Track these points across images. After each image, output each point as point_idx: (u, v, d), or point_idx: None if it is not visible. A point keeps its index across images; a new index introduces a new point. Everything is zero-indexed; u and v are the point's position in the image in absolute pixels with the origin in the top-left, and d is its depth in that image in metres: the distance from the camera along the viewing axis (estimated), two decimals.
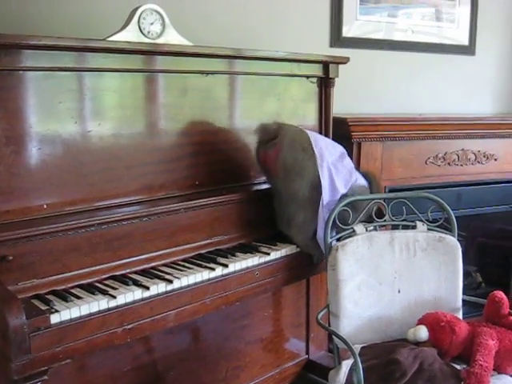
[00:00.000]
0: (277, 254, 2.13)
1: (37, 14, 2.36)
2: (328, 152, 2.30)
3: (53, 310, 1.58)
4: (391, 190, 2.93)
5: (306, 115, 2.64)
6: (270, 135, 2.31)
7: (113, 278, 1.85)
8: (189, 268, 1.92)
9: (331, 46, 3.16)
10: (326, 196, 2.21)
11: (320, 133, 2.67)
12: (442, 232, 2.22)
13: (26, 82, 1.80)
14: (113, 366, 2.09)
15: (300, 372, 2.85)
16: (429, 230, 2.23)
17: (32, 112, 1.82)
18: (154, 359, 2.22)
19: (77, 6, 2.41)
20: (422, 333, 2.01)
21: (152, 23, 2.18)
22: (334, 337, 2.10)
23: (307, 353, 2.87)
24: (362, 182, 2.41)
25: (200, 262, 1.97)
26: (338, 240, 2.14)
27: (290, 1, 3.03)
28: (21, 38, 1.73)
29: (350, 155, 2.82)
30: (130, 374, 2.15)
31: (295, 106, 2.62)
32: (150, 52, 2.09)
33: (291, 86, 2.58)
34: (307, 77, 2.61)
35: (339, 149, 2.43)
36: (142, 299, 1.74)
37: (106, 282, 1.81)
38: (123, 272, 1.88)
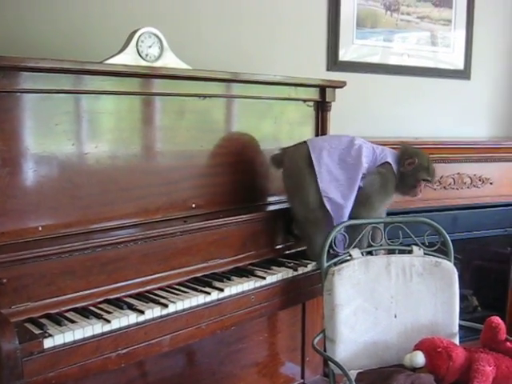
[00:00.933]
0: (273, 278, 2.12)
1: (35, 35, 2.37)
2: (327, 153, 2.30)
3: (46, 335, 1.57)
4: (387, 214, 2.92)
5: (302, 138, 2.64)
6: (279, 164, 2.39)
7: (107, 301, 1.83)
8: (184, 292, 1.91)
9: (328, 69, 3.18)
10: (331, 206, 2.27)
11: None
12: (439, 257, 2.22)
13: (23, 103, 1.80)
14: None
15: None
16: (425, 254, 2.22)
17: (29, 133, 1.83)
18: (150, 382, 2.20)
19: (75, 28, 2.42)
20: (419, 358, 1.99)
21: (150, 46, 2.19)
22: (329, 362, 2.09)
23: (302, 377, 2.85)
24: (388, 158, 2.38)
25: (195, 286, 1.96)
26: (335, 264, 2.12)
27: (287, 25, 3.05)
28: (19, 60, 1.73)
29: None
30: None
31: (292, 129, 2.62)
32: (148, 75, 2.09)
33: (288, 110, 2.59)
34: (304, 100, 2.62)
35: (345, 139, 2.39)
36: (137, 323, 1.72)
37: (101, 306, 1.80)
38: (118, 296, 1.87)
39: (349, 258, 2.16)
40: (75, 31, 2.44)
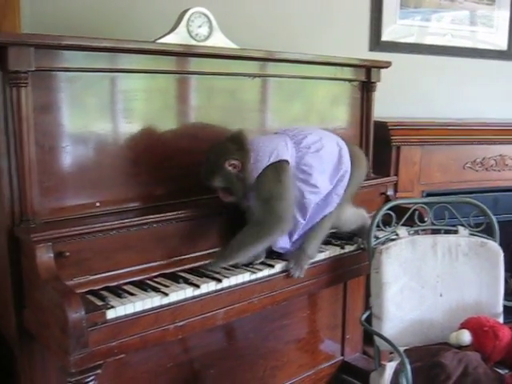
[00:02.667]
0: (321, 255, 2.15)
1: (86, 15, 2.42)
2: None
3: (108, 306, 1.63)
4: (429, 195, 2.94)
5: (347, 119, 2.66)
6: None
7: (163, 275, 1.89)
8: (237, 267, 1.95)
9: (370, 49, 3.17)
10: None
11: (361, 137, 2.69)
12: (484, 237, 2.23)
13: (81, 82, 1.85)
14: (156, 362, 2.14)
15: (335, 373, 2.87)
16: (470, 234, 2.24)
17: (87, 111, 1.87)
18: (195, 357, 2.26)
19: (125, 8, 2.46)
20: (465, 337, 2.01)
21: (200, 26, 2.22)
22: (375, 339, 2.12)
23: (342, 354, 2.89)
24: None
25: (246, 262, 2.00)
26: (382, 243, 2.15)
27: (330, 5, 3.05)
28: (77, 39, 1.78)
29: (389, 159, 2.85)
30: (171, 370, 2.19)
31: (337, 109, 2.64)
32: (199, 54, 2.11)
33: (334, 90, 2.60)
34: (349, 80, 2.63)
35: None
36: (193, 297, 1.77)
37: (157, 280, 1.85)
38: (173, 270, 1.92)
39: (395, 236, 2.19)
40: (126, 11, 2.48)
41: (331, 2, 3.05)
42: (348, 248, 2.26)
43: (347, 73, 2.59)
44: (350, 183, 2.15)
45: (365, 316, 2.14)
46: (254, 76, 2.28)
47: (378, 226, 2.19)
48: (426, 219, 2.31)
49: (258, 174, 1.94)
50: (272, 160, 1.95)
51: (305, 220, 2.06)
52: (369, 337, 2.95)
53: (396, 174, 2.85)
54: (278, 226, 1.94)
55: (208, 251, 2.01)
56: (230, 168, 1.93)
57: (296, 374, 2.66)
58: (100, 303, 1.64)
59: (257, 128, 2.32)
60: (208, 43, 2.21)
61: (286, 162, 1.97)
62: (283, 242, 2.07)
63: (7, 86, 1.69)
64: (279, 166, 1.96)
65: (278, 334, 2.54)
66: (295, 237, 2.09)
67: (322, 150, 2.06)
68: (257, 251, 1.98)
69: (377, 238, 2.20)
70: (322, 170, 2.05)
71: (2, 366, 2.05)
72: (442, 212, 2.29)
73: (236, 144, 1.97)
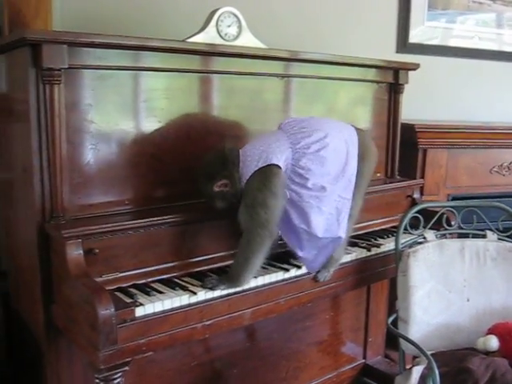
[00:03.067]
0: (347, 257, 2.14)
1: (117, 15, 2.44)
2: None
3: (137, 303, 1.63)
4: (454, 198, 2.92)
5: (373, 121, 2.65)
6: None
7: (190, 274, 1.89)
8: (264, 268, 1.94)
9: (397, 51, 3.16)
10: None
11: (387, 139, 2.67)
12: None
13: (111, 80, 1.85)
14: (180, 360, 2.15)
15: (356, 376, 2.85)
16: (499, 239, 2.21)
17: (117, 110, 1.88)
18: (219, 356, 2.27)
19: (156, 8, 2.47)
20: (493, 342, 1.99)
21: (229, 25, 2.22)
22: (400, 342, 2.11)
23: (364, 357, 2.88)
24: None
25: (274, 263, 2.00)
26: (410, 246, 2.14)
27: (358, 7, 3.04)
28: (110, 37, 1.79)
29: (416, 162, 2.83)
30: (195, 369, 2.20)
31: (362, 111, 2.62)
32: (228, 54, 2.11)
33: (360, 91, 2.59)
34: (377, 82, 2.61)
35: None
36: (221, 296, 1.77)
37: (185, 279, 1.85)
38: (200, 269, 1.92)
39: (423, 240, 2.18)
40: (155, 10, 2.49)
41: (359, 3, 3.03)
42: (374, 250, 2.25)
43: (375, 74, 2.58)
44: (360, 181, 2.02)
45: (391, 319, 2.12)
46: (281, 76, 2.27)
47: (405, 228, 2.17)
48: (453, 223, 2.28)
49: (246, 180, 1.86)
50: (260, 165, 1.84)
51: (309, 228, 1.92)
52: (391, 340, 2.94)
53: (422, 177, 2.83)
54: (263, 233, 1.81)
55: (233, 251, 2.00)
56: (221, 188, 1.88)
57: (318, 376, 2.66)
58: (129, 300, 1.65)
59: None
60: (237, 43, 2.21)
61: (277, 166, 1.85)
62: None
63: (40, 83, 1.70)
64: (267, 171, 1.84)
65: (301, 335, 2.54)
66: (310, 249, 1.97)
67: (324, 149, 1.90)
68: (259, 262, 1.85)
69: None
70: (325, 171, 1.90)
71: (30, 361, 2.07)
72: (469, 216, 2.27)
73: (224, 163, 1.88)
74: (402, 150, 2.73)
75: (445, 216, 2.24)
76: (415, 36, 3.21)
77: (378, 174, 2.68)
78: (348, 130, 2.04)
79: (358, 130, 2.08)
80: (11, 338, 2.35)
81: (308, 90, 2.39)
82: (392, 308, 2.77)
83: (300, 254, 1.97)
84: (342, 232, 1.97)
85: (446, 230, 2.26)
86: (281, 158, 1.86)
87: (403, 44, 3.16)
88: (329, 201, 1.93)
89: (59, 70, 1.69)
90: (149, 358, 1.83)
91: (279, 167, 1.85)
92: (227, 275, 1.84)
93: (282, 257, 2.06)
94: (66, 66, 1.71)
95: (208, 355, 2.24)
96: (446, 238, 2.25)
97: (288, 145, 1.89)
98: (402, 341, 2.09)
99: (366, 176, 2.06)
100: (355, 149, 1.99)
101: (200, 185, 1.91)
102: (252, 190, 1.84)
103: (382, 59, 2.56)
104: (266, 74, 2.23)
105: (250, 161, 1.86)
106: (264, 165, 1.84)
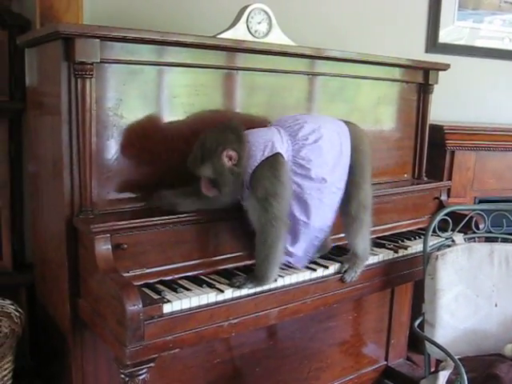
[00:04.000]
0: (374, 258, 2.12)
1: (148, 11, 2.44)
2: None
3: (165, 300, 1.63)
4: (481, 201, 2.88)
5: (401, 121, 2.62)
6: None
7: (216, 272, 1.88)
8: (290, 267, 1.93)
9: (426, 51, 3.12)
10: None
11: (415, 140, 2.65)
12: None
13: (142, 75, 1.86)
14: (204, 357, 2.15)
15: (378, 378, 2.83)
16: None
17: (147, 105, 1.88)
18: (242, 354, 2.26)
19: (187, 3, 2.47)
20: None
21: (259, 22, 2.20)
22: (426, 346, 2.08)
23: (386, 359, 2.86)
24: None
25: None
26: (438, 249, 2.11)
27: (387, 6, 3.01)
28: (142, 32, 1.79)
29: (443, 163, 2.80)
30: (218, 366, 2.20)
31: (390, 110, 2.60)
32: (254, 51, 2.09)
33: (388, 91, 2.56)
34: (406, 82, 2.58)
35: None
36: (248, 295, 1.76)
37: (211, 276, 1.84)
38: (226, 267, 1.92)
39: (451, 243, 2.15)
40: (185, 6, 2.49)
41: (389, 3, 3.01)
42: (402, 252, 2.22)
43: (403, 74, 2.55)
44: (361, 170, 1.98)
45: (418, 322, 2.10)
46: (311, 74, 2.25)
47: (433, 231, 2.14)
48: (481, 226, 2.25)
49: (253, 170, 1.80)
50: (267, 154, 1.79)
51: (309, 219, 1.90)
52: (413, 342, 2.91)
53: (449, 179, 2.80)
54: (277, 225, 1.78)
55: None
56: (225, 159, 1.77)
57: (339, 377, 2.64)
58: (156, 297, 1.64)
59: None
60: (266, 40, 2.20)
61: (281, 155, 1.82)
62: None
63: (72, 77, 1.70)
64: (275, 161, 1.80)
65: (324, 335, 2.52)
66: (302, 243, 1.94)
67: (321, 139, 1.87)
68: (281, 254, 1.83)
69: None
70: (323, 161, 1.88)
71: (54, 354, 2.08)
72: (497, 220, 2.24)
73: (235, 134, 1.80)
74: (429, 151, 2.70)
75: (474, 219, 2.20)
76: (444, 36, 3.16)
77: (406, 175, 2.65)
78: (338, 123, 2.01)
79: (347, 123, 2.04)
80: (35, 331, 2.36)
81: (332, 88, 2.37)
82: (415, 310, 2.77)
83: (290, 249, 1.93)
84: (330, 221, 1.97)
85: (474, 233, 2.23)
86: (283, 148, 1.83)
87: (433, 44, 3.12)
88: (328, 192, 1.91)
89: (91, 64, 1.69)
90: (172, 354, 1.84)
91: (283, 157, 1.82)
92: (254, 273, 1.82)
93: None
94: (98, 60, 1.71)
95: (231, 353, 2.23)
96: (474, 241, 2.22)
97: (287, 136, 1.86)
98: (427, 344, 2.06)
99: (366, 165, 2.01)
100: (347, 140, 1.97)
101: (205, 146, 1.78)
102: (261, 181, 1.78)
103: (410, 59, 2.53)
104: (293, 71, 2.22)
105: (255, 150, 1.80)
106: (271, 154, 1.79)
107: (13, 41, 2.23)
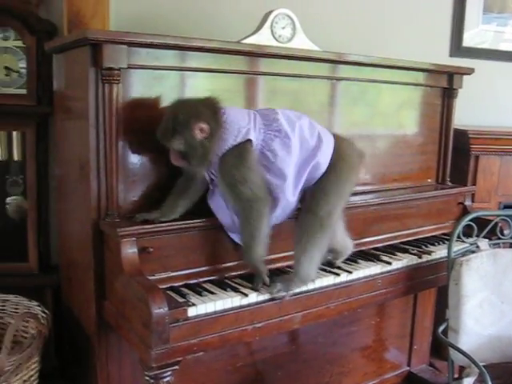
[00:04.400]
0: (398, 263, 2.11)
1: (172, 16, 2.46)
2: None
3: (190, 303, 1.64)
4: (506, 207, 2.86)
5: (424, 125, 2.60)
6: None
7: (240, 276, 1.89)
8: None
9: (451, 55, 3.10)
10: None
11: (439, 144, 2.64)
12: None
13: (168, 81, 1.88)
14: (226, 360, 2.16)
15: (400, 383, 2.82)
16: None
17: None
18: (264, 358, 2.27)
19: (211, 9, 2.49)
20: None
21: (283, 27, 2.21)
22: (450, 352, 2.07)
23: (408, 365, 2.84)
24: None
25: (324, 267, 1.98)
26: (462, 255, 2.09)
27: (412, 10, 3.00)
28: (168, 38, 1.81)
29: (467, 168, 2.79)
30: (240, 369, 2.21)
31: (413, 115, 2.59)
32: (277, 56, 2.09)
33: (411, 95, 2.55)
34: (429, 86, 2.57)
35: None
36: (271, 299, 1.77)
37: (235, 280, 1.85)
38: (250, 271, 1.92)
39: (475, 248, 2.14)
40: (209, 11, 2.51)
41: (413, 6, 3.00)
42: (425, 257, 2.21)
43: (426, 78, 2.54)
44: (331, 188, 1.86)
45: (442, 328, 2.09)
46: (333, 79, 2.25)
47: (457, 236, 2.13)
48: (506, 232, 2.23)
49: (222, 154, 1.75)
50: (239, 140, 1.75)
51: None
52: (436, 348, 2.89)
53: (474, 184, 2.78)
54: (256, 206, 1.74)
55: (285, 253, 2.00)
56: (197, 131, 1.71)
57: (361, 382, 2.63)
58: (181, 300, 1.65)
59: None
60: (290, 45, 2.21)
61: (251, 142, 1.77)
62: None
63: (100, 82, 1.73)
64: (243, 148, 1.75)
65: (346, 340, 2.52)
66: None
67: (293, 137, 1.82)
68: (265, 234, 1.77)
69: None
70: (290, 160, 1.81)
71: (79, 355, 2.10)
72: None
73: (210, 110, 1.75)
74: (453, 155, 2.68)
75: (498, 225, 2.19)
76: (468, 40, 3.15)
77: (429, 180, 2.64)
78: (323, 131, 1.92)
79: (337, 136, 1.95)
80: (60, 332, 2.39)
81: (354, 92, 2.36)
82: (438, 315, 2.75)
83: (232, 235, 1.89)
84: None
85: (499, 239, 2.21)
86: (255, 136, 1.78)
87: (457, 48, 3.10)
88: (287, 194, 1.83)
89: (118, 69, 1.71)
90: (195, 357, 1.85)
91: (252, 144, 1.78)
92: (282, 277, 1.84)
93: (330, 261, 2.06)
94: (126, 66, 1.73)
95: (253, 357, 2.24)
96: (499, 247, 2.20)
97: (261, 125, 1.81)
98: (451, 351, 2.05)
99: (336, 183, 1.87)
100: (327, 150, 1.87)
101: (176, 118, 1.71)
102: (228, 167, 1.75)
103: (433, 63, 2.51)
104: (315, 76, 2.22)
105: (228, 134, 1.75)
106: (242, 140, 1.75)
107: (40, 46, 2.27)
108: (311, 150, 1.85)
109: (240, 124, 1.77)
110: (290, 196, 1.84)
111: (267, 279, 1.80)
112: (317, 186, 1.87)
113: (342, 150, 1.90)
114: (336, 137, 1.94)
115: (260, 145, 1.80)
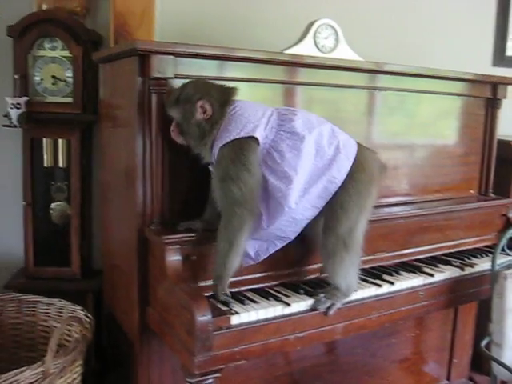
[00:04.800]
0: (441, 276, 2.09)
1: (215, 26, 2.50)
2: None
3: (233, 312, 1.65)
4: None
5: (467, 136, 2.57)
6: None
7: (283, 284, 1.89)
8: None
9: (494, 65, 3.07)
10: None
11: (483, 155, 2.60)
12: None
13: None
14: (266, 369, 2.16)
15: None
16: None
17: None
18: (303, 368, 2.26)
19: (254, 19, 2.51)
20: None
21: (326, 37, 2.23)
22: (493, 367, 2.03)
23: (448, 378, 2.79)
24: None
25: (365, 278, 1.98)
26: (507, 268, 2.06)
27: (454, 19, 2.98)
28: (215, 49, 1.84)
29: (510, 179, 2.74)
30: (280, 379, 2.21)
31: (454, 125, 2.55)
32: (315, 66, 2.07)
33: (452, 105, 2.52)
34: (472, 96, 2.54)
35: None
36: (313, 309, 1.77)
37: (277, 289, 1.86)
38: (291, 280, 1.92)
39: None
40: (253, 21, 2.53)
41: (456, 16, 2.98)
42: (468, 270, 2.18)
43: (469, 88, 2.51)
44: (350, 202, 1.76)
45: (485, 342, 2.05)
46: (372, 89, 2.24)
47: (501, 249, 2.10)
48: None
49: (221, 146, 1.68)
50: (242, 134, 1.66)
51: (267, 226, 1.73)
52: (476, 362, 2.85)
53: None
54: (240, 212, 1.64)
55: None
56: (198, 109, 1.70)
57: None
58: (224, 308, 1.66)
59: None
60: (333, 55, 2.22)
61: (256, 141, 1.68)
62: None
63: (147, 92, 1.76)
64: (245, 144, 1.66)
65: (385, 352, 2.49)
66: (253, 241, 1.78)
67: (306, 142, 1.71)
68: (243, 245, 1.69)
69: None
70: (298, 165, 1.70)
71: (120, 360, 2.13)
72: None
73: (221, 95, 1.72)
74: (496, 166, 2.65)
75: None
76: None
77: (472, 191, 2.61)
78: (348, 140, 1.82)
79: (362, 146, 1.85)
80: (100, 336, 2.43)
81: (392, 102, 2.34)
82: (479, 329, 2.70)
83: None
84: (294, 234, 1.80)
85: None
86: (263, 134, 1.70)
87: (501, 57, 3.07)
88: (289, 200, 1.70)
89: (165, 79, 1.74)
90: (235, 365, 1.86)
91: (258, 143, 1.69)
92: (325, 289, 1.82)
93: (371, 272, 2.05)
94: (173, 76, 1.76)
95: (291, 366, 2.23)
96: None
97: (274, 124, 1.73)
98: (494, 365, 2.02)
99: (355, 196, 1.77)
100: (347, 161, 1.76)
101: (185, 91, 1.72)
102: (225, 160, 1.67)
103: (474, 73, 2.48)
104: (355, 86, 2.20)
105: (233, 126, 1.68)
106: (245, 135, 1.67)
107: (86, 56, 2.32)
108: (327, 159, 1.74)
109: (248, 119, 1.69)
110: (292, 203, 1.70)
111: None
112: (335, 200, 1.76)
113: (362, 161, 1.80)
114: (358, 146, 1.84)
115: (268, 144, 1.71)
